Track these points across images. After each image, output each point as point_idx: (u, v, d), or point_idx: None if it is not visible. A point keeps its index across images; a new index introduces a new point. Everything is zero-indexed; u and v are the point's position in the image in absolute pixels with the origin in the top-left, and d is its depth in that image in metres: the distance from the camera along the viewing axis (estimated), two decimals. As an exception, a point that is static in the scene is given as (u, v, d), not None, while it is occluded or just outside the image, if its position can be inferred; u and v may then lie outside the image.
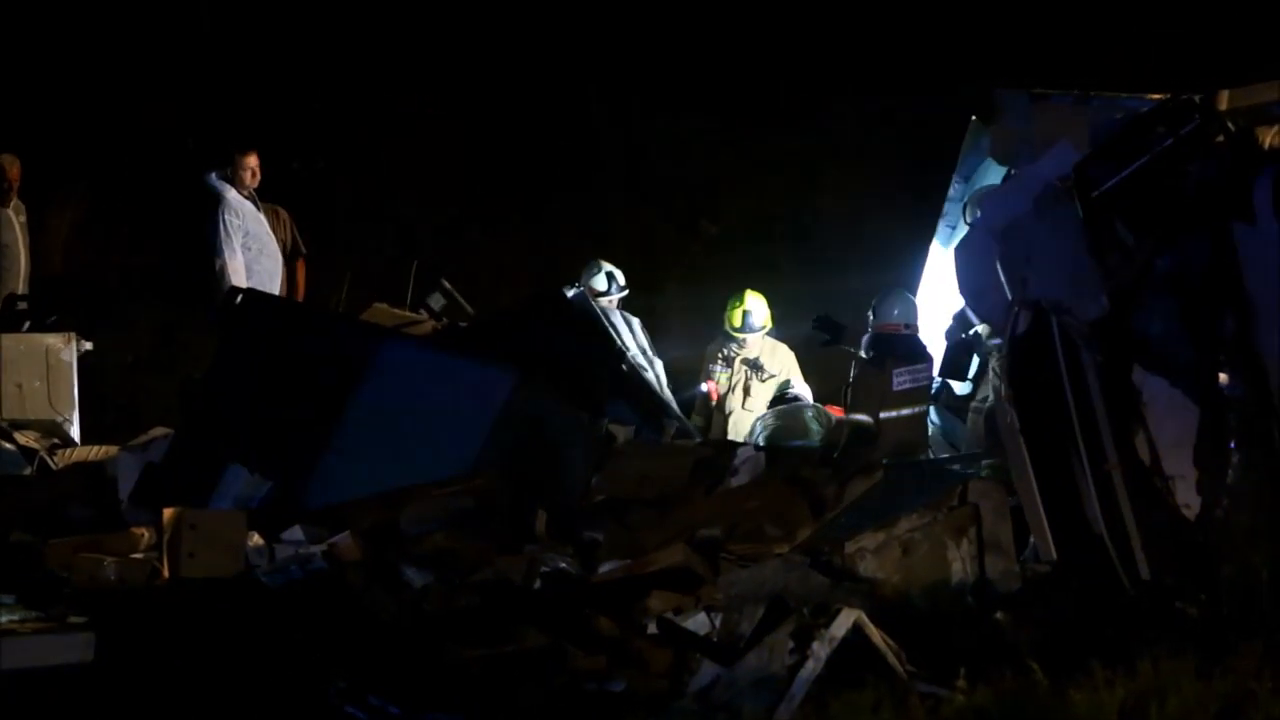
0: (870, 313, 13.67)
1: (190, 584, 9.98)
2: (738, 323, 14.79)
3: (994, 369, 12.35)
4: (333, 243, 17.46)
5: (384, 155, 20.32)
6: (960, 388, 13.87)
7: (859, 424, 13.25)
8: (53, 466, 13.40)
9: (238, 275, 14.73)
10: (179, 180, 16.36)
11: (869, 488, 11.09)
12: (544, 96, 20.83)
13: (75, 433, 14.16)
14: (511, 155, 20.55)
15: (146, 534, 10.86)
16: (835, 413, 14.12)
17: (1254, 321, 9.53)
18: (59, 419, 14.02)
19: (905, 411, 13.24)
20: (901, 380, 13.24)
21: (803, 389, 14.91)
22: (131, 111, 19.26)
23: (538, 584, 10.23)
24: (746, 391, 14.80)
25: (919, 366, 13.36)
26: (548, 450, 12.18)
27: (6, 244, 14.88)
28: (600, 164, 20.79)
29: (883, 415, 13.20)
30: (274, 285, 15.03)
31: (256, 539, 10.76)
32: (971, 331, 13.36)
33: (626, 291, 15.28)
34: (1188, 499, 9.61)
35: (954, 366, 13.49)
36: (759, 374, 14.80)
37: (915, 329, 13.61)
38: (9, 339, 14.11)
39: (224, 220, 14.94)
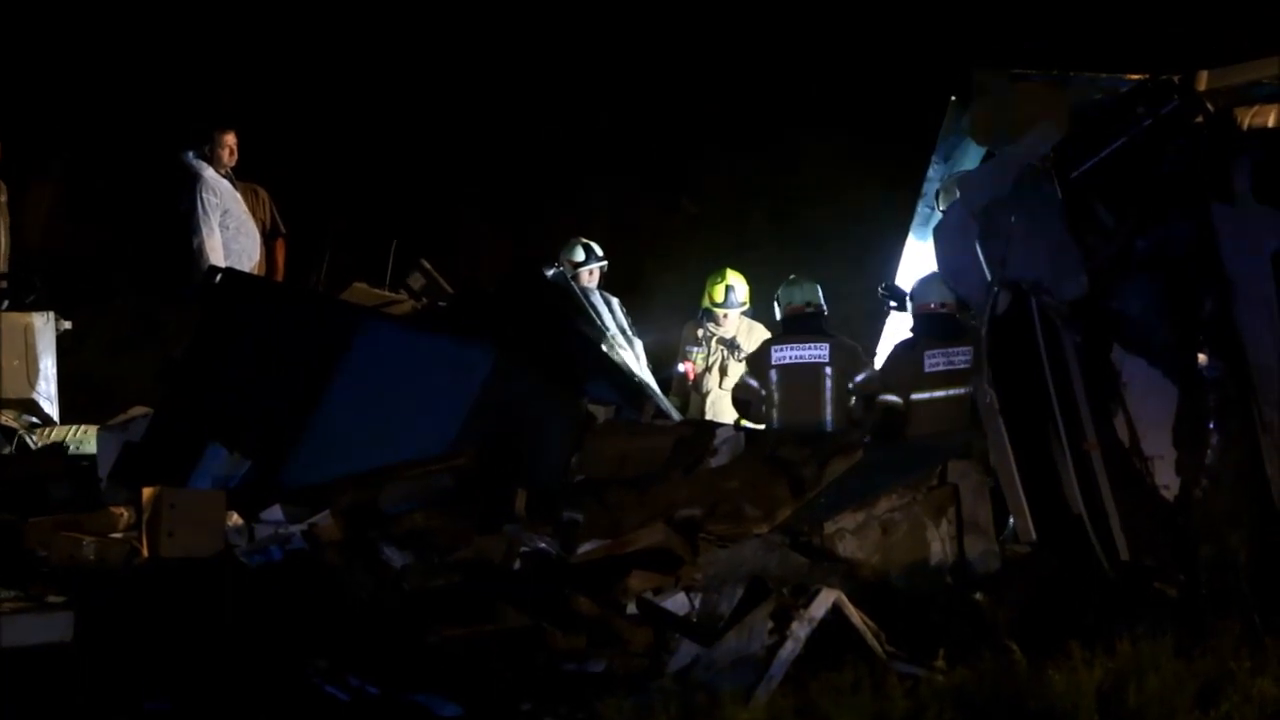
0: (909, 297, 13.59)
1: (169, 563, 9.95)
2: (720, 298, 14.77)
3: (973, 349, 12.26)
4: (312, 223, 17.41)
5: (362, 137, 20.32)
6: None
7: (888, 404, 13.14)
8: (31, 445, 13.37)
9: (215, 253, 14.73)
10: (157, 160, 16.29)
11: (848, 468, 11.10)
12: (526, 80, 20.82)
13: (54, 412, 14.14)
14: (493, 138, 20.52)
15: (125, 513, 10.85)
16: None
17: (1233, 302, 9.53)
18: (38, 398, 14.00)
19: (939, 394, 12.96)
20: (934, 362, 13.00)
21: None
22: (110, 91, 19.20)
23: (517, 564, 10.25)
24: (723, 372, 14.78)
25: (955, 349, 12.97)
26: (527, 430, 12.19)
27: (-14, 223, 14.86)
28: (582, 144, 20.77)
29: (914, 397, 13.02)
30: (252, 264, 15.02)
31: (236, 518, 10.76)
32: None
33: (605, 263, 15.24)
34: (1167, 479, 9.60)
35: None
36: (735, 354, 14.76)
37: (951, 308, 13.22)
38: (-11, 318, 14.09)
39: (201, 198, 14.94)
